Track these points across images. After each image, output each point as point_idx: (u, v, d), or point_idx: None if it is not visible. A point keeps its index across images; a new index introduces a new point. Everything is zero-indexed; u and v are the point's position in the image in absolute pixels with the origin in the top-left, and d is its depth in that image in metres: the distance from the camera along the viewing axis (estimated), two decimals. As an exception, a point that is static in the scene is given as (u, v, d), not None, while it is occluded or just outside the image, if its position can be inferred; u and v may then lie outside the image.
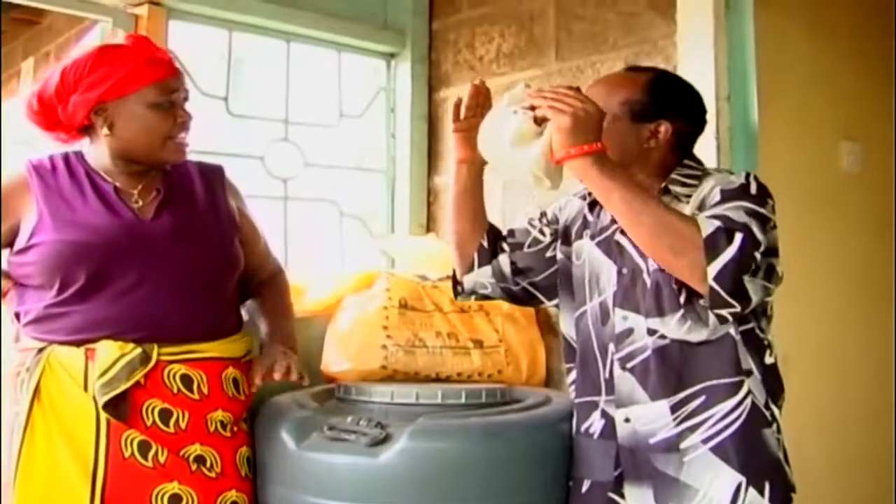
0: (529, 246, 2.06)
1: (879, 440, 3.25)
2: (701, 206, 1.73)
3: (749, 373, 1.75)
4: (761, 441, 1.74)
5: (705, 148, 2.41)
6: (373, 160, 3.32)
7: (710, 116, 2.39)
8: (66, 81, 1.93)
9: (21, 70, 4.25)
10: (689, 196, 1.79)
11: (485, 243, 2.06)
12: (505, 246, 2.06)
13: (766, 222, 1.66)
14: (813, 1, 2.90)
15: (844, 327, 3.04)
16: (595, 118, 1.64)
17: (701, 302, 1.67)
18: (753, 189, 1.72)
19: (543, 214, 2.10)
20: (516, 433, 1.97)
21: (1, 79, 3.79)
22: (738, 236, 1.58)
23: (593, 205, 1.95)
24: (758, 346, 1.77)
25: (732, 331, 1.73)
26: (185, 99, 2.02)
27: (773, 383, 1.79)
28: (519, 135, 1.68)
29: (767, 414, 1.76)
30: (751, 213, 1.65)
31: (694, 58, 2.49)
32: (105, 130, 1.95)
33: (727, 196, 1.69)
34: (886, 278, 3.32)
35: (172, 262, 1.96)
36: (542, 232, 2.06)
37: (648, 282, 1.78)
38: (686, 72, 2.47)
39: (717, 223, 1.59)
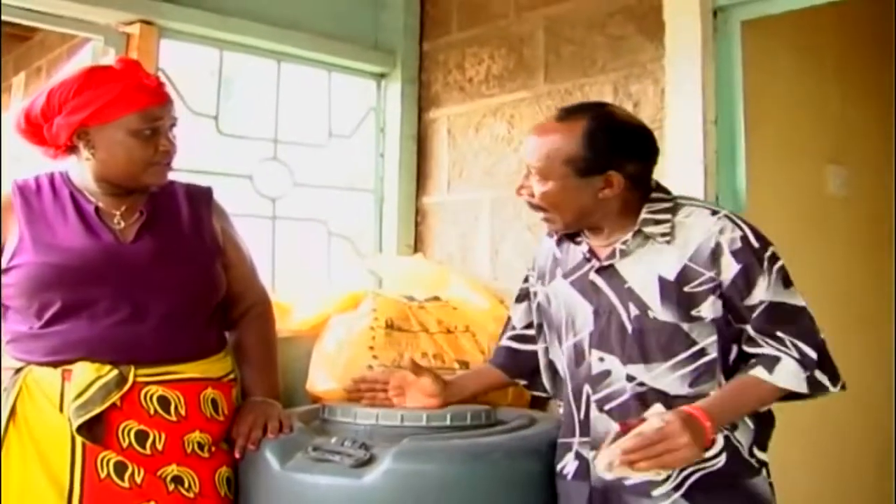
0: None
1: (873, 465, 3.26)
2: (698, 260, 1.73)
3: (734, 427, 1.75)
4: (741, 488, 1.74)
5: (692, 171, 2.43)
6: (362, 180, 3.33)
7: (698, 139, 2.43)
8: (51, 103, 1.93)
9: (12, 85, 4.25)
10: (664, 235, 1.76)
11: (523, 381, 2.16)
12: (534, 349, 2.09)
13: (786, 272, 1.73)
14: (800, 26, 2.92)
15: (831, 351, 3.04)
16: (692, 428, 1.57)
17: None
18: (755, 241, 1.73)
19: (527, 279, 2.11)
20: (500, 455, 1.96)
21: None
22: (802, 352, 1.68)
23: (560, 241, 1.94)
24: None
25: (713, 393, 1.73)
26: (172, 126, 2.01)
27: (763, 429, 1.79)
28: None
29: (753, 461, 1.76)
30: (783, 280, 1.72)
31: (682, 81, 2.50)
32: (87, 154, 1.95)
33: (748, 269, 1.70)
34: (873, 301, 3.33)
35: (151, 284, 1.96)
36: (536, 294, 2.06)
37: (630, 327, 1.77)
38: (674, 95, 2.49)
39: (785, 356, 1.67)
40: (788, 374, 1.67)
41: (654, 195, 1.82)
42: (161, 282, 1.97)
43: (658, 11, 2.59)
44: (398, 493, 1.87)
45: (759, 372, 1.68)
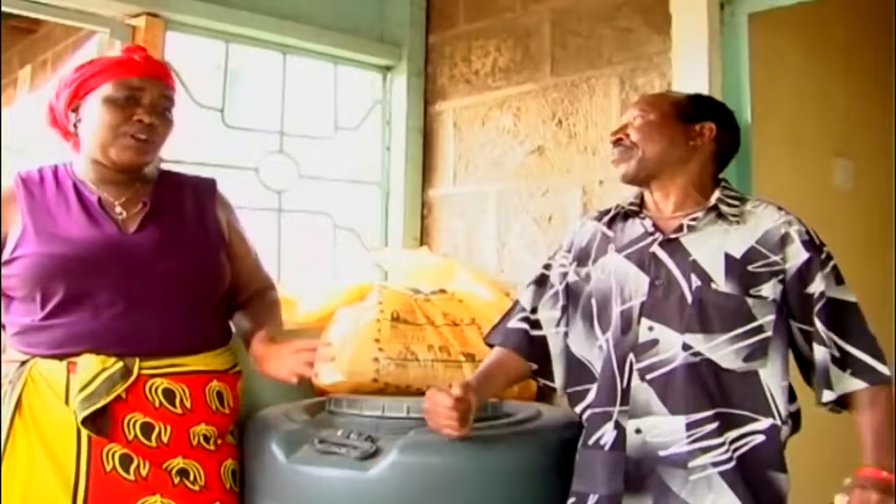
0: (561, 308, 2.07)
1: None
2: (765, 244, 1.84)
3: (774, 414, 1.78)
4: (771, 480, 1.76)
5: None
6: (368, 173, 3.32)
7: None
8: (58, 87, 1.98)
9: (18, 78, 4.25)
10: (736, 217, 1.87)
11: (535, 366, 2.10)
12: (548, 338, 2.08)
13: (839, 271, 1.87)
14: (806, 20, 2.91)
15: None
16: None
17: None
18: (816, 239, 1.88)
19: (548, 266, 2.12)
20: (506, 447, 1.97)
21: (-2, 87, 3.79)
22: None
23: (612, 221, 2.01)
24: (790, 392, 1.83)
25: (763, 373, 1.79)
26: (164, 107, 1.99)
27: (793, 429, 1.85)
28: None
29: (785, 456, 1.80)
30: (836, 277, 1.85)
31: (688, 74, 2.50)
32: (74, 130, 1.97)
33: (812, 260, 1.83)
34: (880, 295, 3.32)
35: (154, 276, 1.95)
36: (564, 275, 2.07)
37: (690, 298, 1.81)
38: (681, 87, 2.48)
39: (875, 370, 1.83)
40: (842, 380, 1.80)
41: (725, 184, 1.97)
42: (164, 273, 1.96)
43: (665, 4, 2.58)
44: (404, 486, 1.87)
45: (827, 396, 1.80)
